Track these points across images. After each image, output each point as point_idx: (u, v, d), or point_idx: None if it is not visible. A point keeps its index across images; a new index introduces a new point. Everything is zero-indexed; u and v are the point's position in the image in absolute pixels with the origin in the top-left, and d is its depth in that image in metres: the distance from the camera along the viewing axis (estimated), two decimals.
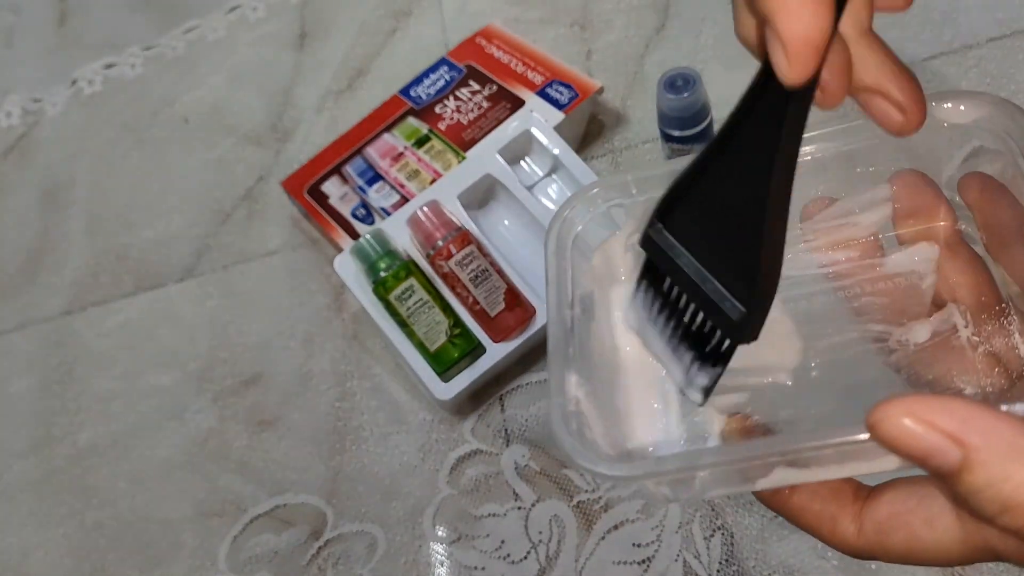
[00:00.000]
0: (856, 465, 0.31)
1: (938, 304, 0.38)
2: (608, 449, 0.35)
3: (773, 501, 0.33)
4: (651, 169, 0.40)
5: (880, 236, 0.39)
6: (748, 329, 0.32)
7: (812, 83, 0.28)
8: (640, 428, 0.37)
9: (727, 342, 0.33)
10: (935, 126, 0.35)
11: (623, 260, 0.40)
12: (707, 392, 0.35)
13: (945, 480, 0.27)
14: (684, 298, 0.34)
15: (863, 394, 0.37)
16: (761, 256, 0.30)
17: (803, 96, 0.28)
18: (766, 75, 0.28)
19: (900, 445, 0.26)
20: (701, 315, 0.33)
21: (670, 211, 0.33)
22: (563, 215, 0.39)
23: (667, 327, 0.35)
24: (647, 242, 0.34)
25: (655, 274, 0.35)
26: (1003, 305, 0.36)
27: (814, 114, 0.29)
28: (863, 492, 0.31)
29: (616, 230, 0.40)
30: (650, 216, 0.34)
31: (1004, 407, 0.28)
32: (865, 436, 0.28)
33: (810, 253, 0.39)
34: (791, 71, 0.27)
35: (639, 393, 0.38)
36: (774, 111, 0.29)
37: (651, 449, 0.37)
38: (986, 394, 0.35)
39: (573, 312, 0.37)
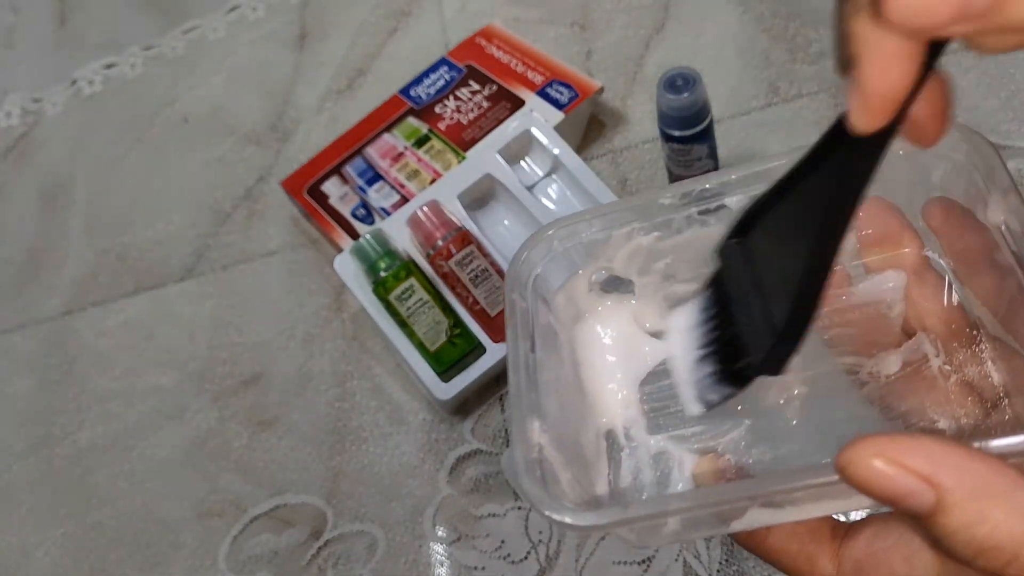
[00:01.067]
0: (832, 504, 0.31)
1: (908, 333, 0.37)
2: (577, 495, 0.34)
3: (750, 543, 0.33)
4: (610, 209, 0.39)
5: (847, 265, 0.38)
6: (773, 361, 0.31)
7: (885, 134, 0.27)
8: (606, 471, 0.36)
9: (751, 368, 0.32)
10: (905, 154, 0.34)
11: (587, 299, 0.39)
12: (711, 406, 0.34)
13: (919, 522, 0.26)
14: (732, 313, 0.33)
15: (837, 429, 0.36)
16: (798, 293, 0.30)
17: (874, 144, 0.28)
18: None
19: (871, 487, 0.26)
20: (741, 335, 0.33)
21: (748, 227, 0.33)
22: (521, 258, 0.39)
23: (706, 336, 0.35)
24: (722, 251, 0.34)
25: (718, 284, 0.35)
26: (974, 332, 0.36)
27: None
28: (840, 530, 0.31)
29: (578, 270, 0.39)
30: (731, 227, 0.33)
31: (976, 444, 0.27)
32: (836, 478, 0.27)
33: None
34: (861, 120, 0.26)
35: (605, 436, 0.37)
36: (845, 153, 0.28)
37: (620, 492, 0.36)
38: (961, 425, 0.35)
39: (534, 356, 0.36)
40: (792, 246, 0.30)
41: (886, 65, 0.25)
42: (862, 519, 0.31)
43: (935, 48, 0.26)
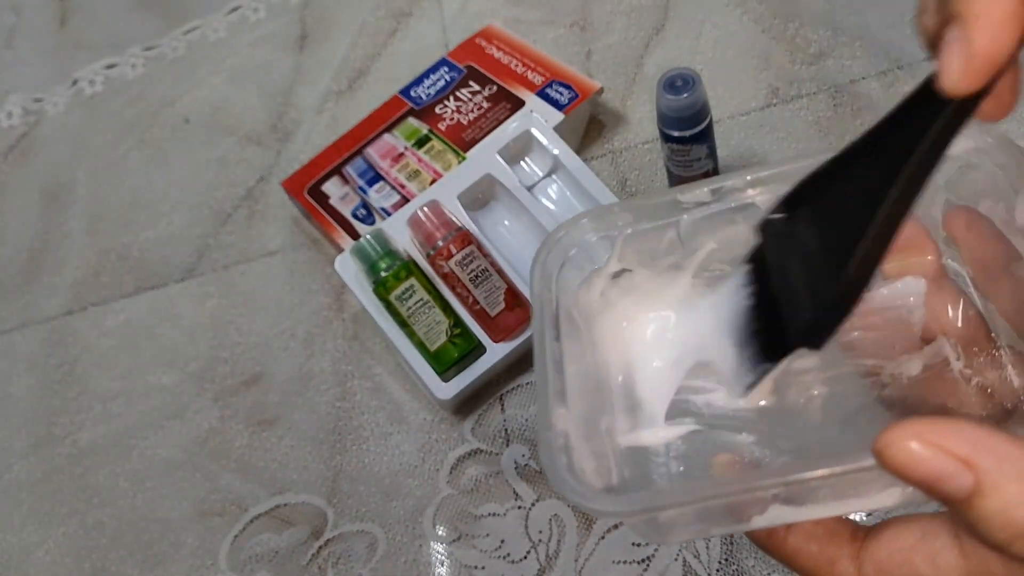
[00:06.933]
0: (855, 502, 0.31)
1: (926, 339, 0.37)
2: (600, 484, 0.34)
3: (768, 544, 0.32)
4: (643, 200, 0.39)
5: None
6: (813, 333, 0.30)
7: (975, 99, 0.26)
8: (630, 463, 0.37)
9: (790, 339, 0.31)
10: None
11: (608, 293, 0.39)
12: (749, 387, 0.33)
13: (955, 507, 0.26)
14: (772, 289, 0.32)
15: (859, 428, 0.36)
16: (850, 263, 0.29)
17: (961, 109, 0.26)
18: (931, 81, 0.26)
19: (908, 471, 0.26)
20: (781, 310, 0.32)
21: (796, 203, 0.32)
22: (550, 245, 0.39)
23: (748, 315, 0.34)
24: (764, 227, 0.33)
25: (760, 262, 0.33)
26: (992, 337, 0.36)
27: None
28: (860, 532, 0.30)
29: (603, 262, 0.39)
30: (777, 203, 0.32)
31: (1014, 431, 0.27)
32: (870, 463, 0.27)
33: None
34: (962, 82, 0.25)
35: (627, 428, 0.37)
36: (925, 118, 0.27)
37: (642, 483, 0.36)
38: None
39: (559, 345, 0.36)
40: (852, 218, 0.29)
41: (999, 26, 0.24)
42: (882, 521, 0.30)
43: None
